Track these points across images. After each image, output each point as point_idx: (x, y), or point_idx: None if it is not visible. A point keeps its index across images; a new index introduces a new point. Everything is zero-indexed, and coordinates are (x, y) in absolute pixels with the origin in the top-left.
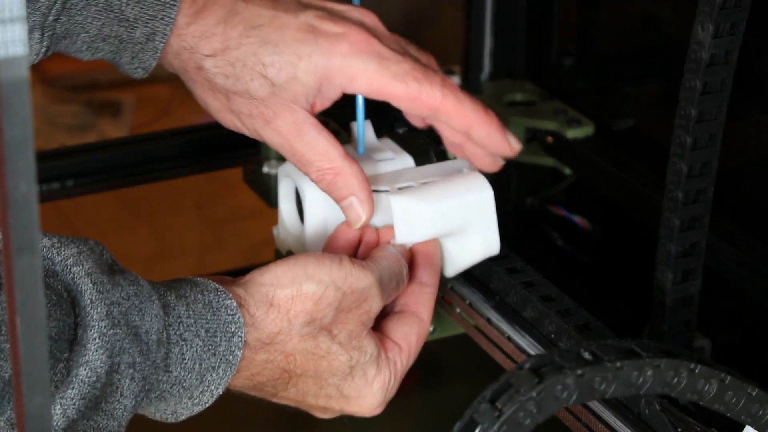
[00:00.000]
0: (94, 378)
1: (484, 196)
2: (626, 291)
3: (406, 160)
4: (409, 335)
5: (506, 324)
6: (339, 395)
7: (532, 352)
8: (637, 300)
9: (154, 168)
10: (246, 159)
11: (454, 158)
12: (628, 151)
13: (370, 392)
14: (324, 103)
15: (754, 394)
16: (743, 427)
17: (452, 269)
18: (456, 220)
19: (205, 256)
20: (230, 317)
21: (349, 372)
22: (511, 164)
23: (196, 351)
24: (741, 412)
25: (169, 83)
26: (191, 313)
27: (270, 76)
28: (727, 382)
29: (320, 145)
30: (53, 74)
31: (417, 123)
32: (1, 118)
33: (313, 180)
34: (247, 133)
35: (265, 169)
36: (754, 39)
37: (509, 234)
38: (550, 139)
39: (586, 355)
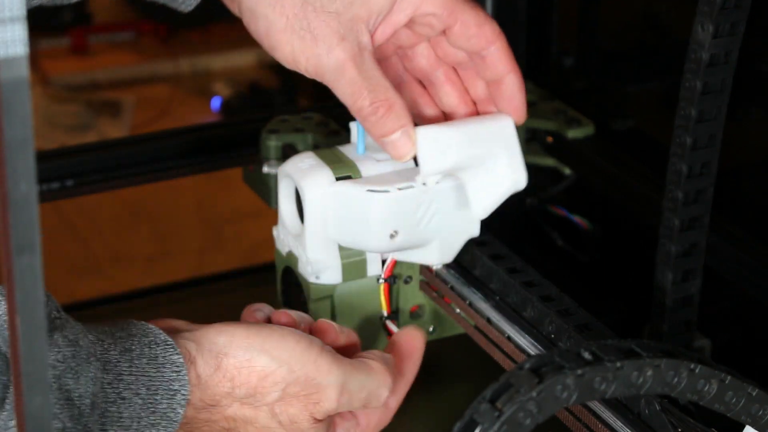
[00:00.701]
0: None
1: (505, 123)
2: (626, 291)
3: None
4: (371, 415)
5: (506, 324)
6: None
7: (532, 352)
8: (637, 300)
9: (154, 168)
10: (246, 159)
11: None
12: (628, 151)
13: None
14: (385, 30)
15: (754, 394)
16: (743, 427)
17: (481, 207)
18: (478, 146)
19: (205, 256)
20: (175, 374)
21: None
22: None
23: (135, 409)
24: (741, 412)
25: (169, 83)
26: (133, 370)
27: None
28: (727, 382)
29: (377, 74)
30: (53, 74)
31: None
32: (1, 118)
33: (365, 114)
34: (301, 64)
35: (265, 169)
36: (754, 39)
37: (509, 234)
38: (550, 139)
39: (586, 355)
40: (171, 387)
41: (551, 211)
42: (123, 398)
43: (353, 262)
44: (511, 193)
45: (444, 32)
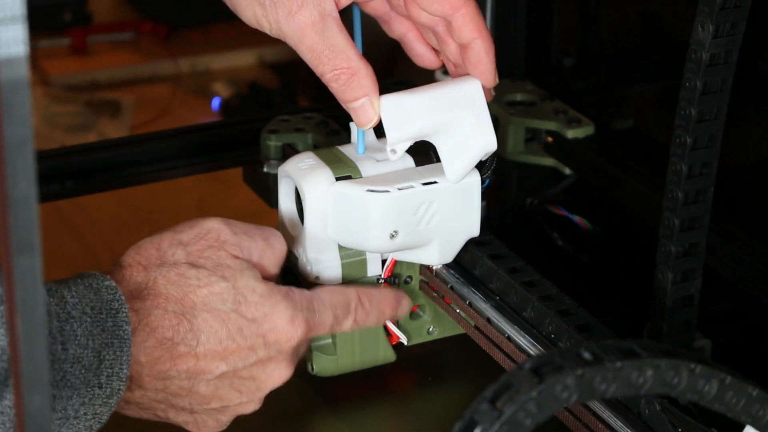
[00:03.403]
0: None
1: (473, 87)
2: (626, 291)
3: (406, 160)
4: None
5: (506, 324)
6: (246, 321)
7: (532, 352)
8: (637, 300)
9: (154, 168)
10: (246, 159)
11: None
12: (628, 151)
13: (273, 308)
14: None
15: (754, 394)
16: (743, 427)
17: (453, 172)
18: (445, 111)
19: None
20: (111, 295)
21: (237, 294)
22: (511, 164)
23: (86, 327)
24: (741, 413)
25: (169, 83)
26: (74, 293)
27: None
28: (727, 382)
29: (340, 42)
30: (53, 74)
31: (404, 31)
32: (1, 118)
33: (326, 80)
34: (265, 27)
35: (265, 169)
36: (754, 39)
37: (509, 234)
38: (550, 139)
39: (586, 355)
40: (112, 306)
41: (551, 211)
42: (72, 317)
43: (353, 262)
44: (482, 156)
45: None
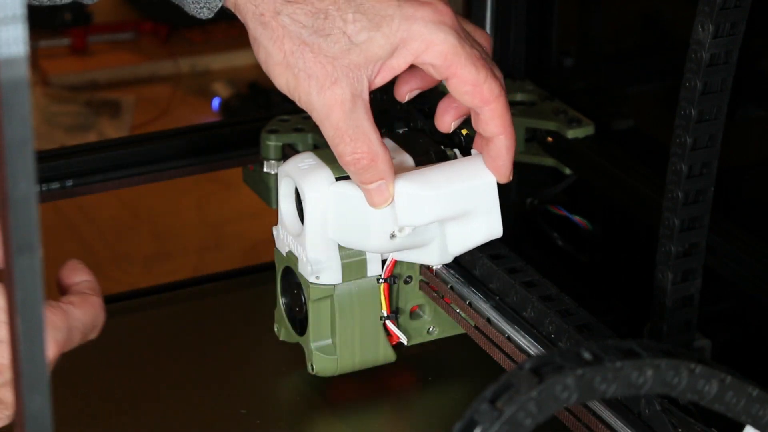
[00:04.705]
0: None
1: (487, 180)
2: (626, 291)
3: (406, 160)
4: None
5: (506, 324)
6: None
7: (532, 352)
8: (637, 300)
9: (154, 168)
10: (246, 159)
11: (455, 158)
12: (628, 151)
13: None
14: (385, 75)
15: (754, 394)
16: (743, 427)
17: (456, 249)
18: (458, 204)
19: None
20: None
21: None
22: None
23: None
24: (741, 413)
25: (169, 83)
26: None
27: (349, 33)
28: (727, 382)
29: (365, 125)
30: (53, 74)
31: (448, 111)
32: (1, 118)
33: (344, 162)
34: (295, 97)
35: (265, 169)
36: (754, 39)
37: (509, 234)
38: (550, 139)
39: (586, 355)
40: None
41: (551, 211)
42: None
43: (353, 262)
44: (487, 240)
45: (448, 84)
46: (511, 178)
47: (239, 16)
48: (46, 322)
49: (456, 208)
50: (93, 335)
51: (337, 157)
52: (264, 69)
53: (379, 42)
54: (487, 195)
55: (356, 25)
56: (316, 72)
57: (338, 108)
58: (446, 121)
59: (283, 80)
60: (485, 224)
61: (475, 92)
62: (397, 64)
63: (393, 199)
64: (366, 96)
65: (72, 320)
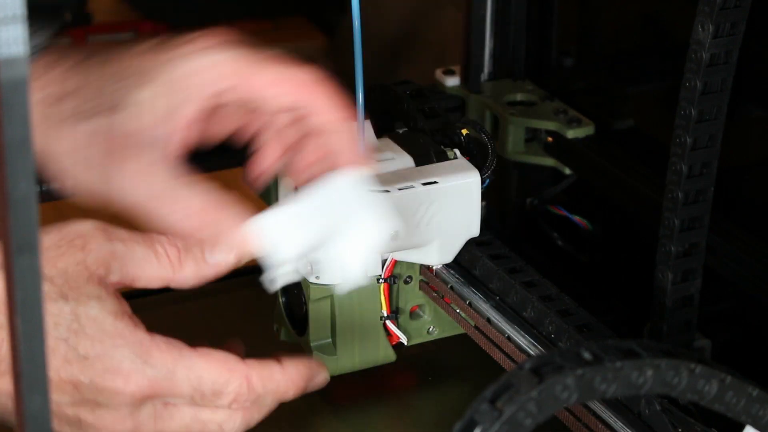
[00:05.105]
0: None
1: (347, 181)
2: (626, 291)
3: (406, 160)
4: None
5: (506, 324)
6: (75, 355)
7: (532, 352)
8: (637, 300)
9: None
10: (246, 159)
11: (455, 158)
12: (628, 151)
13: (112, 350)
14: (186, 133)
15: (754, 394)
16: (743, 427)
17: (357, 270)
18: (326, 218)
19: None
20: None
21: (73, 321)
22: (511, 164)
23: None
24: (741, 413)
25: None
26: None
27: (134, 103)
28: (727, 382)
29: (179, 186)
30: None
31: (269, 146)
32: (1, 118)
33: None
34: (95, 189)
35: None
36: (754, 39)
37: (509, 234)
38: (550, 139)
39: (586, 355)
40: None
41: (551, 211)
42: None
43: None
44: (383, 242)
45: (253, 100)
46: (367, 162)
47: None
48: (145, 355)
49: (326, 222)
50: (221, 402)
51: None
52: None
53: (147, 102)
54: (354, 194)
55: (140, 95)
56: (114, 147)
57: (142, 181)
58: (268, 158)
59: (77, 175)
60: (370, 225)
61: (291, 84)
62: (190, 112)
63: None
64: (169, 159)
65: (180, 368)
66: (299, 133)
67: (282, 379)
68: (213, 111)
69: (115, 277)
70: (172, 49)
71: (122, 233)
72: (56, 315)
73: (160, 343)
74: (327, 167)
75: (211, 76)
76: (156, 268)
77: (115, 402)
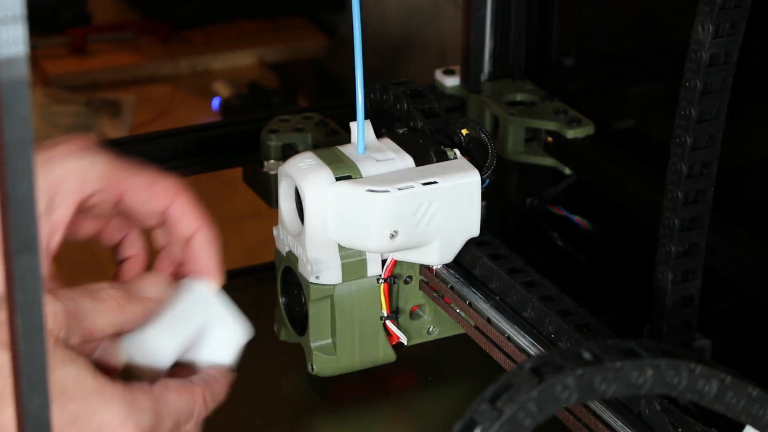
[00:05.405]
0: None
1: (202, 291)
2: (626, 291)
3: (406, 160)
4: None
5: (506, 324)
6: (65, 419)
7: (532, 352)
8: (637, 300)
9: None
10: (246, 159)
11: (455, 158)
12: (628, 151)
13: (103, 406)
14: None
15: (754, 394)
16: (743, 427)
17: (226, 358)
18: (184, 329)
19: None
20: None
21: (54, 386)
22: (511, 164)
23: None
24: (741, 413)
25: (169, 83)
26: None
27: None
28: (727, 382)
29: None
30: (53, 74)
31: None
32: (1, 118)
33: None
34: None
35: (265, 169)
36: (754, 39)
37: (509, 234)
38: (550, 139)
39: (586, 355)
40: None
41: (551, 211)
42: None
43: (353, 262)
44: (243, 341)
45: (120, 205)
46: (222, 276)
47: None
48: (130, 404)
49: (185, 332)
50: (188, 427)
51: None
52: None
53: None
54: (208, 303)
55: None
56: None
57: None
58: (137, 263)
59: None
60: (226, 333)
61: (153, 194)
62: (61, 217)
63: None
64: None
65: (161, 406)
66: (165, 239)
67: (221, 390)
68: (83, 211)
69: (75, 337)
70: (42, 153)
71: (66, 292)
72: None
73: (135, 389)
74: (184, 273)
75: (82, 179)
76: (107, 315)
77: None
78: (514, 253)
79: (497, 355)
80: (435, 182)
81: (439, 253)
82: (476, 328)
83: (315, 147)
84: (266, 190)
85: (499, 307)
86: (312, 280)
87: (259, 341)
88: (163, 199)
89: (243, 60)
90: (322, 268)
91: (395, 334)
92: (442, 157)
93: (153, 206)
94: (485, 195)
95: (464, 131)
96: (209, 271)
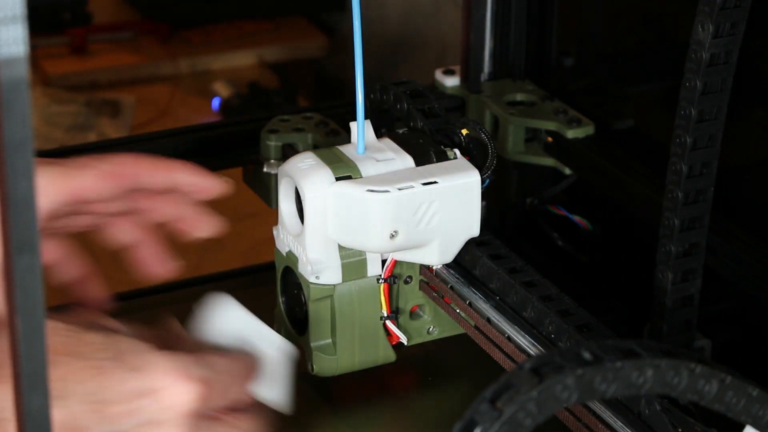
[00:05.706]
0: None
1: (225, 308)
2: (626, 291)
3: (406, 160)
4: None
5: (506, 324)
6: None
7: (532, 352)
8: (637, 300)
9: None
10: (246, 159)
11: (455, 158)
12: (628, 151)
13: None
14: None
15: (754, 394)
16: (743, 427)
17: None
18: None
19: (205, 256)
20: None
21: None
22: (511, 164)
23: None
24: (741, 413)
25: (169, 83)
26: None
27: None
28: (727, 382)
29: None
30: (53, 74)
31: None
32: (1, 118)
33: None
34: None
35: (265, 169)
36: (754, 39)
37: (509, 234)
38: (550, 139)
39: (586, 355)
40: None
41: (551, 211)
42: None
43: (353, 262)
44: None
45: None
46: (224, 186)
47: None
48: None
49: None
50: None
51: None
52: None
53: None
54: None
55: None
56: None
57: None
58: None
59: None
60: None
61: (109, 174)
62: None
63: None
64: None
65: (210, 364)
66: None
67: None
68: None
69: None
70: None
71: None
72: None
73: (207, 349)
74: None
75: (43, 201)
76: None
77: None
78: (514, 253)
79: (497, 355)
80: (435, 182)
81: (439, 253)
82: (476, 328)
83: (315, 147)
84: (266, 190)
85: (499, 307)
86: (312, 280)
87: None
88: (114, 177)
89: (243, 60)
90: (322, 268)
91: (395, 334)
92: (442, 157)
93: (111, 187)
94: (485, 195)
95: (464, 131)
96: (207, 190)
